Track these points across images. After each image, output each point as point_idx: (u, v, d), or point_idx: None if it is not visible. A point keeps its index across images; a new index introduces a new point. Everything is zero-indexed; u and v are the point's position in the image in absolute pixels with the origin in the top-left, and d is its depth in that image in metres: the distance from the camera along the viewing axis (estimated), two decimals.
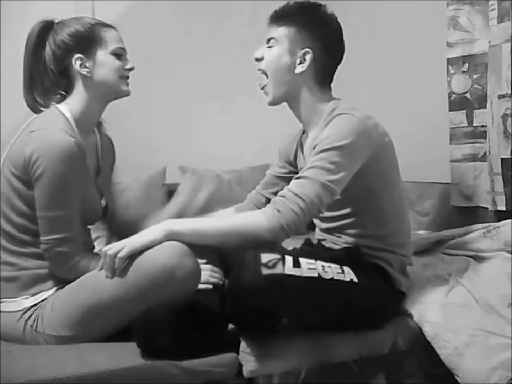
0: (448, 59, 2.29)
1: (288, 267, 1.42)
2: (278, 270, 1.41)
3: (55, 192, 1.52)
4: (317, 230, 1.80)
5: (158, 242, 1.47)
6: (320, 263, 1.49)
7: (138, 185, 2.60)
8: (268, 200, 1.68)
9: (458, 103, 2.28)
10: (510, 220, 1.94)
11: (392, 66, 2.66)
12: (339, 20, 1.68)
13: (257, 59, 1.66)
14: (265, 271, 1.39)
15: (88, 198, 1.62)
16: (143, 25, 2.72)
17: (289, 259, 1.44)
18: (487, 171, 2.14)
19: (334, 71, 1.69)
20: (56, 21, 1.67)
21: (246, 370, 1.51)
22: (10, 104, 2.48)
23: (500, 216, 2.08)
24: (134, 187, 2.58)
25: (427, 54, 2.46)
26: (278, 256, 1.43)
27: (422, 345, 1.63)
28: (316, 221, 1.76)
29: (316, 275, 1.46)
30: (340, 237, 1.69)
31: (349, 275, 1.52)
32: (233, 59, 2.73)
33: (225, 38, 2.84)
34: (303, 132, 1.76)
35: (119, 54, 1.64)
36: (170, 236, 1.48)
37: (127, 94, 1.68)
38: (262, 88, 1.68)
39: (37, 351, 1.50)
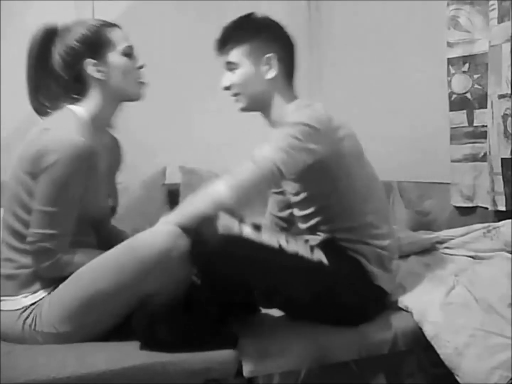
0: (448, 59, 2.29)
1: (247, 231, 1.46)
2: (235, 231, 1.45)
3: (56, 189, 1.51)
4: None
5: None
6: (284, 236, 1.52)
7: (138, 185, 2.60)
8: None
9: (458, 103, 2.28)
10: (510, 220, 1.94)
11: (392, 66, 2.66)
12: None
13: (226, 88, 1.68)
14: (221, 231, 1.43)
15: (96, 198, 1.62)
16: (143, 25, 2.72)
17: (248, 225, 1.47)
18: (487, 171, 2.14)
19: (295, 67, 1.71)
20: (59, 26, 1.65)
21: (246, 370, 1.51)
22: (10, 105, 2.48)
23: (500, 216, 2.08)
24: (134, 187, 2.58)
25: (427, 54, 2.46)
26: (237, 218, 1.47)
27: (422, 345, 1.63)
28: (298, 223, 1.78)
29: (276, 244, 1.49)
30: (318, 235, 1.70)
31: (318, 255, 1.54)
32: None
33: None
34: None
35: (129, 54, 1.64)
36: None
37: (139, 97, 1.68)
38: (234, 95, 1.69)
39: (37, 351, 1.50)
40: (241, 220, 1.47)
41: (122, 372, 1.43)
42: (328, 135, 1.56)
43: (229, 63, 1.67)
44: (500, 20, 2.03)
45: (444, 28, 2.28)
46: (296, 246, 1.52)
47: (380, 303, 1.68)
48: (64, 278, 1.55)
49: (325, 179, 1.60)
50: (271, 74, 1.65)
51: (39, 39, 1.64)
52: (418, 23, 2.51)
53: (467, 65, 2.24)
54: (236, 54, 1.65)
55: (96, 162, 1.58)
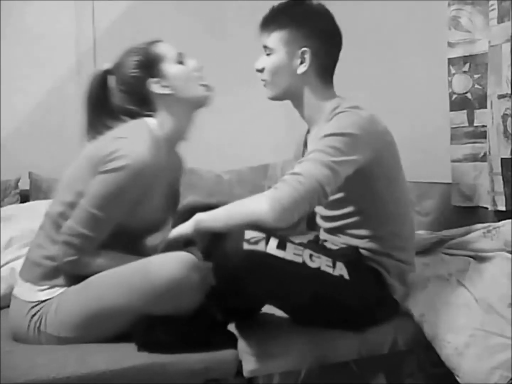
0: (449, 59, 2.28)
1: (271, 247, 1.42)
2: (259, 247, 1.41)
3: (110, 194, 1.52)
4: (321, 230, 1.80)
5: (189, 231, 1.53)
6: (308, 251, 1.48)
7: None
8: None
9: (459, 103, 2.27)
10: (510, 220, 1.94)
11: (392, 66, 2.65)
12: (330, 11, 1.67)
13: (259, 70, 1.66)
14: (246, 246, 1.40)
15: (148, 213, 1.62)
16: (143, 25, 2.72)
17: (273, 240, 1.44)
18: (487, 171, 2.14)
19: (335, 63, 1.68)
20: (110, 67, 1.69)
21: (246, 370, 1.51)
22: (10, 104, 2.48)
23: (500, 216, 2.07)
24: None
25: (428, 54, 2.46)
26: (262, 235, 1.43)
27: (422, 345, 1.63)
28: (319, 221, 1.76)
29: (300, 261, 1.46)
30: (339, 237, 1.68)
31: (340, 270, 1.51)
32: (233, 59, 2.73)
33: (226, 38, 2.83)
34: (308, 131, 1.76)
35: (181, 60, 1.65)
36: (197, 224, 1.52)
37: (207, 102, 1.68)
38: (264, 82, 1.67)
39: (37, 351, 1.51)
40: (267, 235, 1.44)
41: (122, 373, 1.43)
42: (370, 141, 1.53)
43: (266, 47, 1.64)
44: (500, 20, 2.03)
45: (445, 28, 2.28)
46: (319, 261, 1.49)
47: (393, 314, 1.67)
48: (84, 278, 1.56)
49: (364, 183, 1.57)
50: (302, 69, 1.62)
51: (97, 81, 1.68)
52: (419, 23, 2.51)
53: (467, 65, 2.24)
54: (274, 38, 1.63)
55: (158, 180, 1.59)
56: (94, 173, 1.54)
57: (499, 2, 2.03)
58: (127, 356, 1.47)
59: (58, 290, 1.57)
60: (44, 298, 1.57)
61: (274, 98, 1.69)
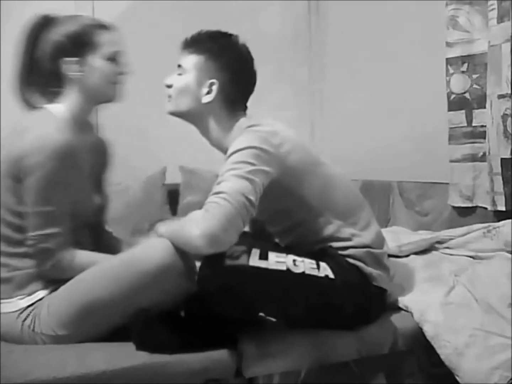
0: (447, 59, 2.28)
1: (253, 259, 1.44)
2: (242, 261, 1.42)
3: (45, 188, 1.51)
4: None
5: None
6: (291, 257, 1.50)
7: (138, 185, 2.60)
8: None
9: (457, 103, 2.28)
10: (510, 220, 1.94)
11: (391, 65, 2.66)
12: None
13: (167, 86, 1.68)
14: (228, 262, 1.41)
15: (79, 196, 1.61)
16: (143, 25, 2.72)
17: (255, 251, 1.45)
18: (486, 171, 2.14)
19: (245, 100, 1.70)
20: (51, 16, 1.64)
21: (246, 370, 1.51)
22: (10, 104, 2.48)
23: (500, 216, 2.08)
24: (134, 187, 2.58)
25: (426, 54, 2.47)
26: (244, 248, 1.44)
27: (422, 345, 1.63)
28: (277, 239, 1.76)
29: (284, 268, 1.47)
30: (301, 248, 1.65)
31: (325, 271, 1.52)
32: None
33: None
34: None
35: (113, 58, 1.63)
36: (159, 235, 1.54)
37: (114, 99, 1.68)
38: (169, 97, 1.68)
39: (37, 351, 1.50)
40: (248, 247, 1.45)
41: (122, 372, 1.43)
42: (274, 153, 1.53)
43: (180, 66, 1.66)
44: (500, 20, 2.03)
45: (443, 28, 2.28)
46: (303, 265, 1.50)
47: (382, 304, 1.67)
48: (65, 280, 1.55)
49: (282, 196, 1.58)
50: (207, 99, 1.64)
51: (33, 26, 1.63)
52: (417, 23, 2.51)
53: (466, 65, 2.24)
54: (191, 60, 1.65)
55: (77, 160, 1.57)
56: (15, 178, 1.53)
57: (499, 2, 2.03)
58: (126, 356, 1.47)
59: (39, 294, 1.57)
60: (26, 305, 1.56)
61: (173, 114, 1.70)
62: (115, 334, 1.53)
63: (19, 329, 1.55)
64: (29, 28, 1.64)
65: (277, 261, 1.47)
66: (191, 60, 1.65)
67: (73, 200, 1.57)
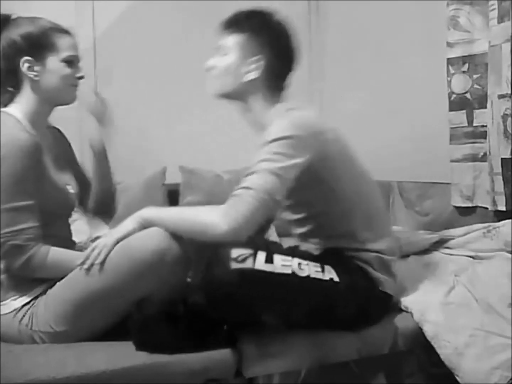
0: (448, 59, 2.29)
1: (259, 263, 1.44)
2: (247, 264, 1.42)
3: (9, 184, 1.51)
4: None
5: (136, 231, 1.52)
6: (297, 260, 1.49)
7: (138, 185, 2.60)
8: None
9: (458, 103, 2.28)
10: (510, 220, 1.94)
11: (392, 66, 2.66)
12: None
13: (209, 68, 1.67)
14: (234, 265, 1.41)
15: (52, 188, 1.61)
16: (143, 25, 2.72)
17: (261, 255, 1.45)
18: (487, 171, 2.14)
19: (286, 78, 1.69)
20: (13, 17, 1.65)
21: (246, 370, 1.51)
22: None
23: (500, 216, 2.08)
24: (134, 187, 2.58)
25: (427, 54, 2.47)
26: (250, 251, 1.44)
27: (422, 345, 1.63)
28: (288, 228, 1.76)
29: (289, 271, 1.47)
30: (315, 243, 1.67)
31: (329, 274, 1.52)
32: None
33: None
34: None
35: (70, 62, 1.63)
36: (145, 224, 1.53)
37: (72, 102, 1.68)
38: (211, 79, 1.67)
39: (36, 351, 1.50)
40: (254, 251, 1.45)
41: (122, 372, 1.43)
42: (312, 140, 1.53)
43: (221, 46, 1.66)
44: (500, 20, 2.03)
45: (444, 28, 2.28)
46: (308, 268, 1.50)
47: (386, 308, 1.67)
48: (58, 279, 1.54)
49: (312, 184, 1.57)
50: (252, 76, 1.63)
51: None
52: (418, 23, 2.51)
53: (466, 65, 2.24)
54: (233, 40, 1.64)
55: (41, 154, 1.56)
56: None
57: (499, 2, 2.03)
58: (126, 355, 1.47)
59: (34, 293, 1.56)
60: (21, 304, 1.56)
61: (218, 95, 1.69)
62: (115, 334, 1.53)
63: (16, 329, 1.55)
64: None
65: (283, 264, 1.47)
66: (233, 40, 1.64)
67: (43, 194, 1.56)
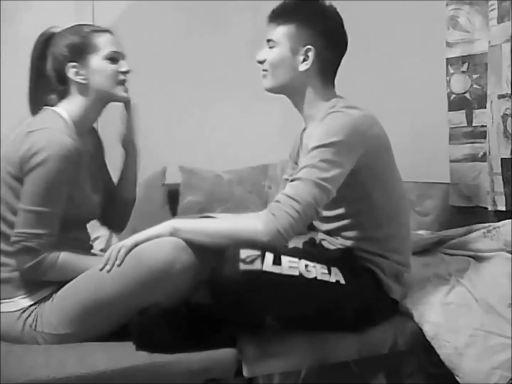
0: (447, 59, 2.29)
1: (267, 264, 1.43)
2: (256, 266, 1.42)
3: (44, 188, 1.52)
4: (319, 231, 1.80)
5: (162, 236, 1.51)
6: (304, 262, 1.49)
7: (138, 185, 2.60)
8: None
9: (457, 103, 2.28)
10: (510, 220, 1.94)
11: (391, 65, 2.66)
12: (340, 14, 1.67)
13: (260, 62, 1.65)
14: (242, 267, 1.41)
15: (79, 197, 1.62)
16: (143, 25, 2.72)
17: (269, 256, 1.44)
18: (487, 171, 2.14)
19: (339, 64, 1.68)
20: (56, 31, 1.68)
21: (246, 370, 1.51)
22: (11, 105, 2.48)
23: (500, 216, 2.08)
24: None
25: (426, 54, 2.46)
26: (257, 252, 1.43)
27: (422, 345, 1.63)
28: (315, 222, 1.75)
29: (297, 273, 1.46)
30: (337, 239, 1.68)
31: (336, 276, 1.52)
32: (234, 59, 2.73)
33: (225, 38, 2.83)
34: (304, 129, 1.75)
35: (113, 58, 1.65)
36: (174, 233, 1.51)
37: (123, 99, 1.70)
38: (264, 73, 1.66)
39: (37, 351, 1.51)
40: (262, 252, 1.45)
41: (122, 372, 1.43)
42: (360, 143, 1.52)
43: (270, 40, 1.64)
44: (500, 20, 2.03)
45: (443, 28, 2.28)
46: (315, 270, 1.50)
47: (391, 313, 1.67)
48: (66, 282, 1.55)
49: (354, 186, 1.56)
50: (304, 66, 1.61)
51: (38, 43, 1.68)
52: (418, 23, 2.51)
53: (466, 65, 2.24)
54: (280, 32, 1.62)
55: (82, 161, 1.59)
56: (18, 177, 1.55)
57: (499, 2, 2.03)
58: (127, 355, 1.47)
59: (42, 294, 1.57)
60: (28, 304, 1.56)
61: (271, 90, 1.67)
62: (115, 334, 1.53)
63: (20, 328, 1.55)
64: (34, 45, 1.69)
65: (290, 266, 1.47)
66: (281, 31, 1.62)
67: (71, 201, 1.57)
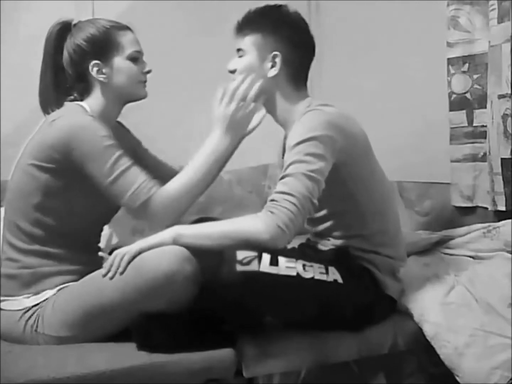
0: (448, 59, 2.28)
1: (264, 265, 1.44)
2: (253, 267, 1.43)
3: (103, 154, 1.52)
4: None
5: (166, 244, 1.50)
6: (301, 262, 1.50)
7: None
8: None
9: (458, 103, 2.28)
10: (510, 220, 1.94)
11: (392, 66, 2.66)
12: (305, 17, 1.69)
13: (231, 71, 1.68)
14: (239, 268, 1.41)
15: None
16: (143, 25, 2.71)
17: (266, 257, 1.45)
18: (487, 171, 2.14)
19: (307, 68, 1.70)
20: (73, 22, 1.67)
21: (246, 370, 1.51)
22: (11, 105, 2.48)
23: (500, 216, 2.07)
24: None
25: (427, 54, 2.46)
26: (254, 253, 1.44)
27: (422, 345, 1.63)
28: (306, 226, 1.76)
29: (294, 273, 1.47)
30: (328, 239, 1.69)
31: (333, 275, 1.53)
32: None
33: (225, 38, 2.83)
34: (285, 137, 1.76)
35: (135, 58, 1.65)
36: (177, 238, 1.50)
37: (143, 97, 1.71)
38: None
39: (37, 351, 1.51)
40: (259, 253, 1.45)
41: (122, 372, 1.43)
42: (338, 139, 1.54)
43: (239, 49, 1.67)
44: (500, 20, 2.03)
45: (444, 28, 2.28)
46: (312, 270, 1.50)
47: (389, 311, 1.68)
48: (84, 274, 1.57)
49: (334, 185, 1.57)
50: (273, 72, 1.64)
51: (53, 34, 1.66)
52: (418, 23, 2.51)
53: (466, 65, 2.24)
54: (247, 41, 1.65)
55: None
56: (45, 169, 1.54)
57: (499, 2, 2.03)
58: (127, 356, 1.47)
59: (46, 294, 1.57)
60: (31, 304, 1.56)
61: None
62: (115, 335, 1.53)
63: (22, 329, 1.55)
64: (50, 35, 1.66)
65: (288, 266, 1.47)
66: (249, 41, 1.65)
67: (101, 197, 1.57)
